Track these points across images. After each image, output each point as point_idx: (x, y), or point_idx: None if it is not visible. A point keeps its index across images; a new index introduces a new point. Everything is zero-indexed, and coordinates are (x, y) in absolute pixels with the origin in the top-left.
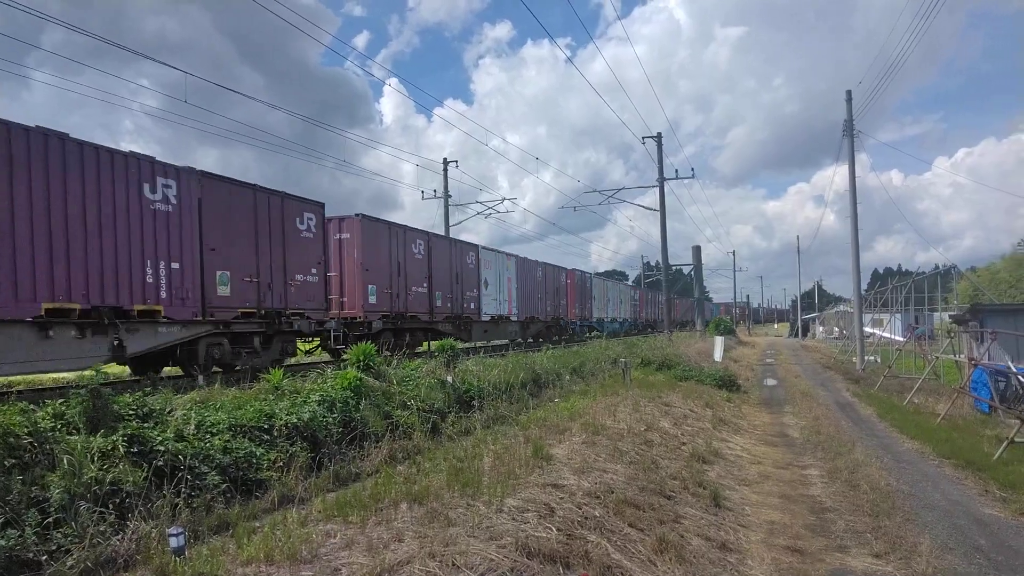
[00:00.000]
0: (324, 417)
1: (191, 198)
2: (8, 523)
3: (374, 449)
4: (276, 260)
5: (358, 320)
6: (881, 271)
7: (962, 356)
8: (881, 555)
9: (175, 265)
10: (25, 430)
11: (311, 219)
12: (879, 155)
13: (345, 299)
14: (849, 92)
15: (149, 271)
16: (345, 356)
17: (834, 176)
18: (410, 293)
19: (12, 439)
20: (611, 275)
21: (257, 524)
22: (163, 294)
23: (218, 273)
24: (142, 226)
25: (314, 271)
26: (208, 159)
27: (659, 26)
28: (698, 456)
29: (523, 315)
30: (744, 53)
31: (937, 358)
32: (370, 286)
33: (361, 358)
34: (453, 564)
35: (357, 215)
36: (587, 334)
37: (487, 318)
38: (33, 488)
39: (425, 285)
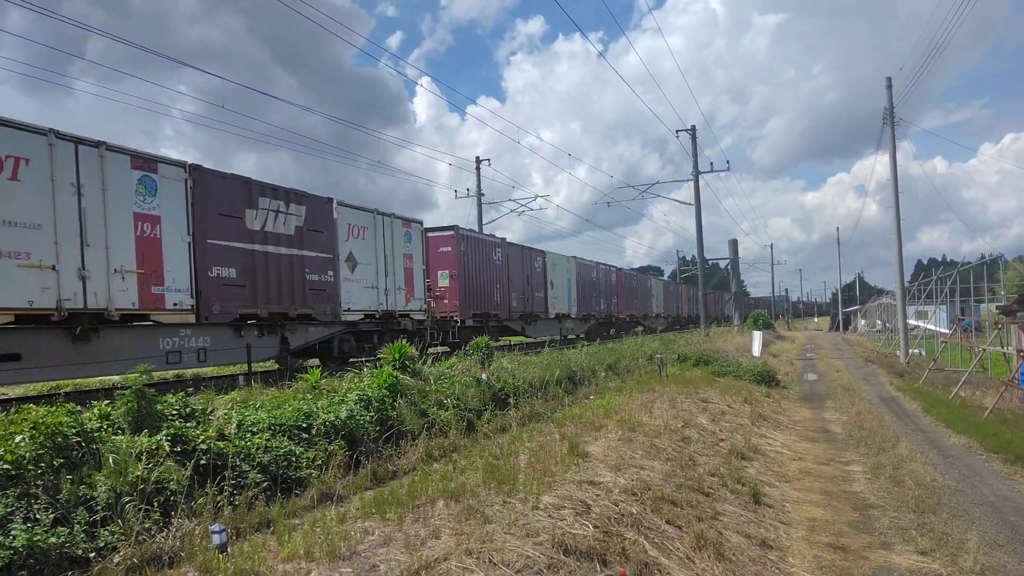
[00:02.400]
0: (361, 416)
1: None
2: (58, 521)
3: (410, 447)
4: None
5: (451, 318)
6: (925, 262)
7: (1010, 348)
8: (927, 552)
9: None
10: (73, 430)
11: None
12: (922, 143)
13: (446, 301)
14: (889, 79)
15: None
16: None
17: (875, 165)
18: (491, 295)
19: (60, 439)
20: (646, 271)
21: (297, 522)
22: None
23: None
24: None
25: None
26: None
27: (695, 16)
28: (737, 452)
29: (581, 312)
30: (783, 41)
31: (984, 350)
32: (461, 290)
33: (397, 357)
34: (490, 561)
35: (451, 229)
36: (635, 328)
37: (552, 316)
38: (81, 487)
39: (502, 288)
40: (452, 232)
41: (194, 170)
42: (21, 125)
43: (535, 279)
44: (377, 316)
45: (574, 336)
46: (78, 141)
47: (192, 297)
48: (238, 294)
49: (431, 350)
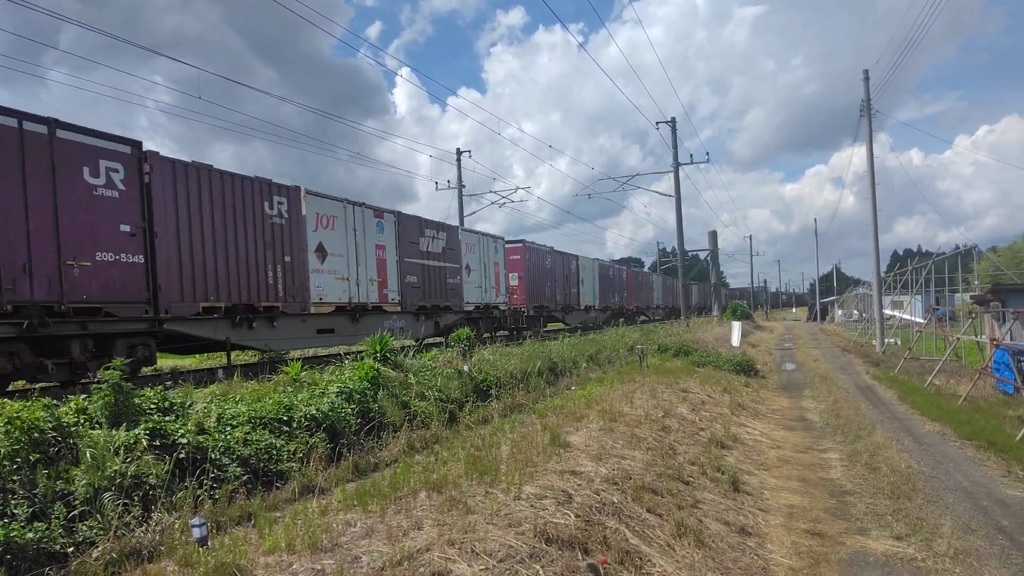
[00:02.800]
0: (343, 408)
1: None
2: (35, 516)
3: (392, 439)
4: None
5: (521, 310)
6: (901, 252)
7: (983, 337)
8: (902, 537)
9: (455, 281)
10: (49, 425)
11: (497, 244)
12: (898, 135)
13: (516, 296)
14: (866, 72)
15: (448, 288)
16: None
17: (852, 157)
18: (544, 291)
19: (37, 434)
20: (627, 262)
21: (278, 514)
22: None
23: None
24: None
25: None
26: (224, 154)
27: (675, 7)
28: (716, 441)
29: (602, 304)
30: (762, 33)
31: (958, 339)
32: (529, 287)
33: (378, 349)
34: (472, 551)
35: (520, 242)
36: (639, 317)
37: (582, 307)
38: (58, 482)
39: (551, 286)
40: (521, 244)
41: (399, 214)
42: (331, 197)
43: (571, 278)
44: (481, 307)
45: (599, 323)
46: (355, 204)
47: (399, 295)
48: (417, 293)
49: (500, 332)
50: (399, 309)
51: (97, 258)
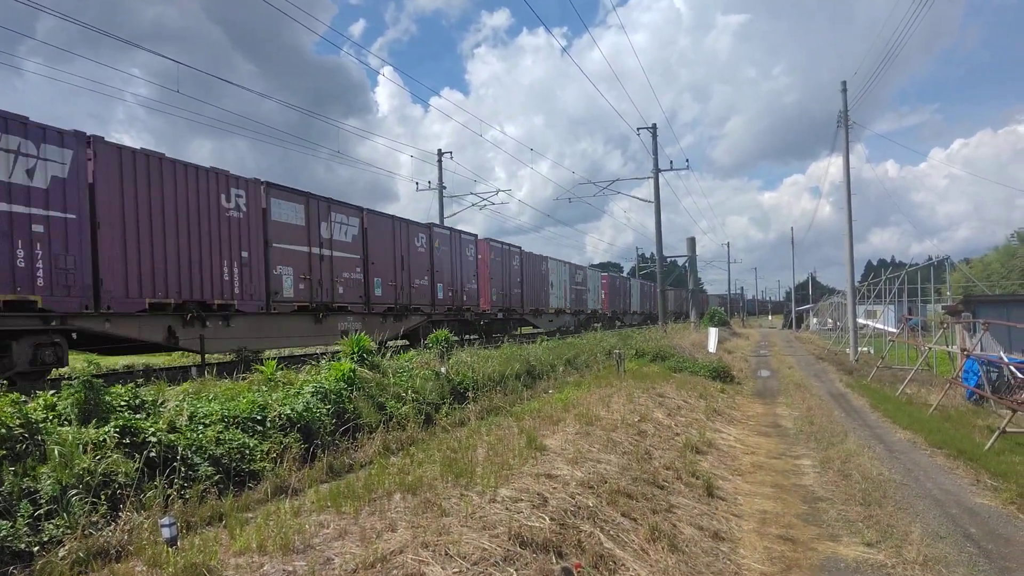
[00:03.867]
0: (318, 408)
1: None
2: (0, 514)
3: (368, 440)
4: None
5: (488, 312)
6: (875, 263)
7: (955, 347)
8: (873, 544)
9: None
10: (17, 421)
11: (473, 245)
12: (875, 146)
13: (482, 299)
14: (844, 83)
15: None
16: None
17: (829, 167)
18: (511, 294)
19: (3, 430)
20: (606, 267)
21: (250, 515)
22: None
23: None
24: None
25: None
26: (203, 150)
27: (660, 13)
28: (692, 446)
29: (575, 308)
30: (745, 41)
31: (930, 349)
32: (492, 289)
33: (356, 349)
34: (446, 553)
35: (487, 240)
36: (615, 323)
37: (552, 311)
38: (25, 479)
39: (519, 288)
40: (486, 245)
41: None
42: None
43: (540, 281)
44: (450, 309)
45: (572, 328)
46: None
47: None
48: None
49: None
50: (364, 310)
51: None
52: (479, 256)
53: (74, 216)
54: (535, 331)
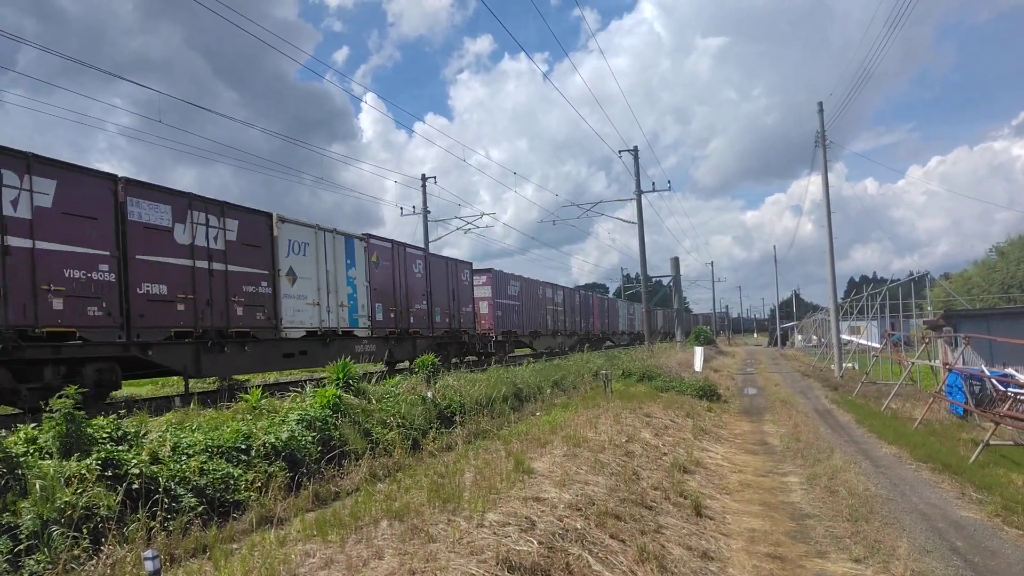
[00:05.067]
0: (303, 436)
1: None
2: None
3: (354, 467)
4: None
5: (488, 334)
6: (857, 279)
7: (937, 361)
8: (860, 560)
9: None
10: None
11: (468, 272)
12: (854, 165)
13: (484, 323)
14: (820, 104)
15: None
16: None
17: (808, 186)
18: (511, 317)
19: None
20: (592, 288)
21: (235, 546)
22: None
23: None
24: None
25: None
26: (186, 178)
27: (640, 37)
28: (679, 466)
29: (570, 329)
30: (724, 64)
31: (913, 364)
32: (497, 313)
33: (340, 375)
34: None
35: (488, 272)
36: (605, 344)
37: (549, 332)
38: (4, 515)
39: (518, 312)
40: (489, 273)
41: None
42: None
43: (539, 304)
44: (449, 331)
45: (565, 348)
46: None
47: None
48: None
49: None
50: (370, 335)
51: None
52: (478, 283)
53: None
54: (532, 353)
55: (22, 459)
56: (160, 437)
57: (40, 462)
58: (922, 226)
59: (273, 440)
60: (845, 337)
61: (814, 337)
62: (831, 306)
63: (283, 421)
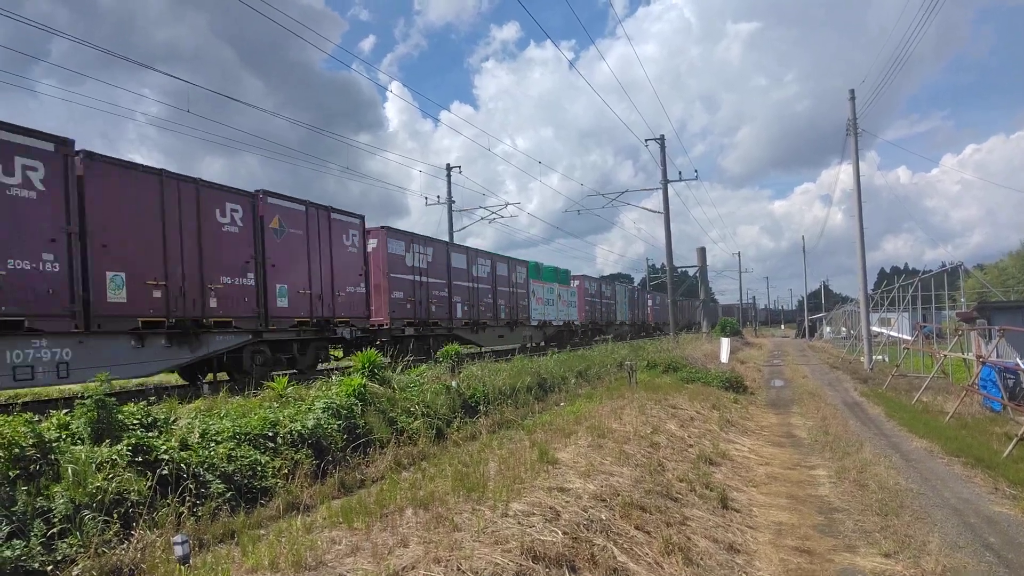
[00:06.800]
0: (329, 424)
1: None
2: (13, 534)
3: (379, 455)
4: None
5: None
6: (888, 270)
7: (970, 354)
8: (890, 554)
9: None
10: (30, 441)
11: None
12: (887, 153)
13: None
14: (852, 91)
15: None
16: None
17: (839, 175)
18: (480, 303)
19: (17, 450)
20: (616, 278)
21: (262, 532)
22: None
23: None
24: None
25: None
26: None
27: (669, 23)
28: (705, 458)
29: (586, 320)
30: (755, 50)
31: (945, 356)
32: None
33: (366, 365)
34: (458, 568)
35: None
36: (641, 334)
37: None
38: (38, 499)
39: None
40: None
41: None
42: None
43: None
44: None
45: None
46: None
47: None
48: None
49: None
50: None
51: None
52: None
53: None
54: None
55: (55, 444)
56: (189, 424)
57: (72, 447)
58: (956, 216)
59: (299, 428)
60: (875, 329)
61: (843, 329)
62: (861, 297)
63: (309, 409)
